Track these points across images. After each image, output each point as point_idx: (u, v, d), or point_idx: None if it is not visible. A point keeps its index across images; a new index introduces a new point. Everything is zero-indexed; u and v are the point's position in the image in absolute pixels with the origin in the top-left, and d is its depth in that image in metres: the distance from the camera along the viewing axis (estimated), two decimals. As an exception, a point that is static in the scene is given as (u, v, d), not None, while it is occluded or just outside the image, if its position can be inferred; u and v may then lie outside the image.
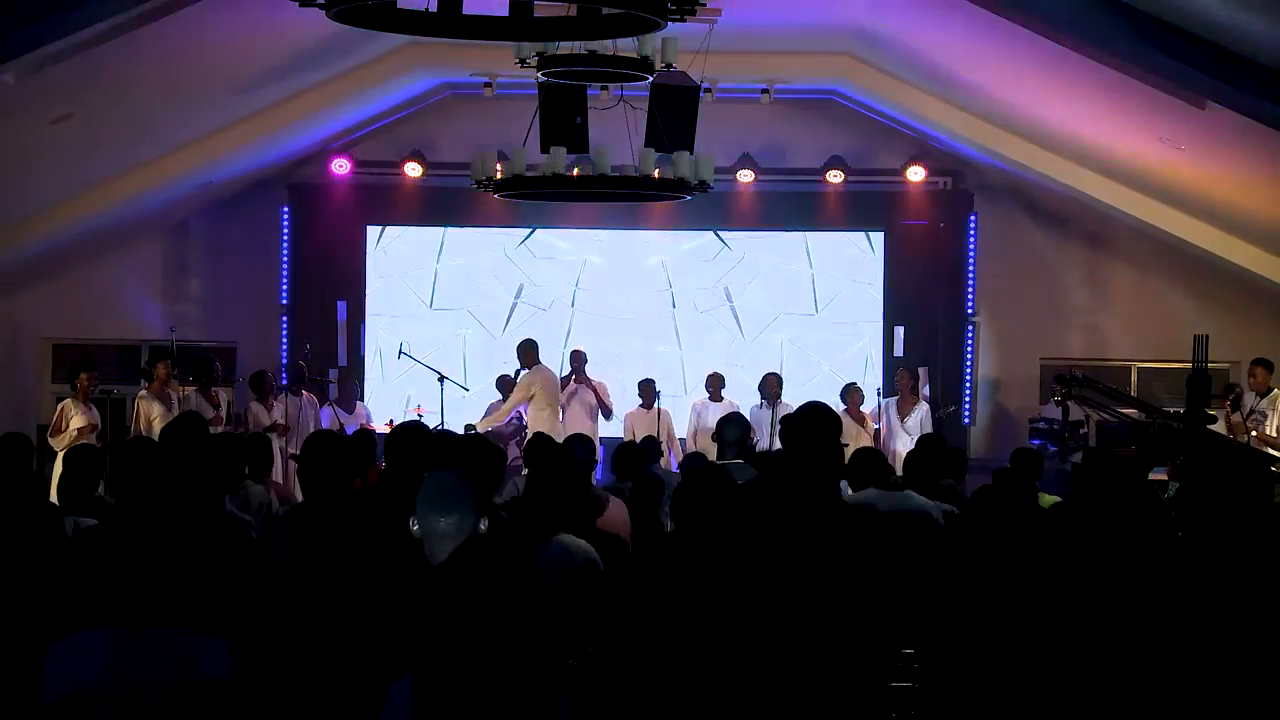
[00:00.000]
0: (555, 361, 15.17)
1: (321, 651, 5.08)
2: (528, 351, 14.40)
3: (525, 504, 6.21)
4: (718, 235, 16.47)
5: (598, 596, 5.66)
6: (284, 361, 15.68)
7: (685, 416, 14.95)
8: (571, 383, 14.73)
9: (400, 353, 15.14)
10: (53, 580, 5.23)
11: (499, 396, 14.84)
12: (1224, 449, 11.08)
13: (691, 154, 11.65)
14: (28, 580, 5.29)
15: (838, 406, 14.52)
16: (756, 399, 14.61)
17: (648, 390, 14.68)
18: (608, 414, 14.69)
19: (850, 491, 7.78)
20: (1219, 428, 12.48)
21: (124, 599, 4.44)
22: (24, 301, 15.98)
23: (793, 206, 16.28)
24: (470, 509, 4.48)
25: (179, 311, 16.15)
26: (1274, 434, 12.79)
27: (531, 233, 16.41)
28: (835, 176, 15.93)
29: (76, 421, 12.81)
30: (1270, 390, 13.03)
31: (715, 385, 14.82)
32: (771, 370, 14.79)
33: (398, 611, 4.36)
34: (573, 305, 16.50)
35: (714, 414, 14.53)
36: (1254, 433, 12.79)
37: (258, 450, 8.84)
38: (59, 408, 13.02)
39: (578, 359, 14.91)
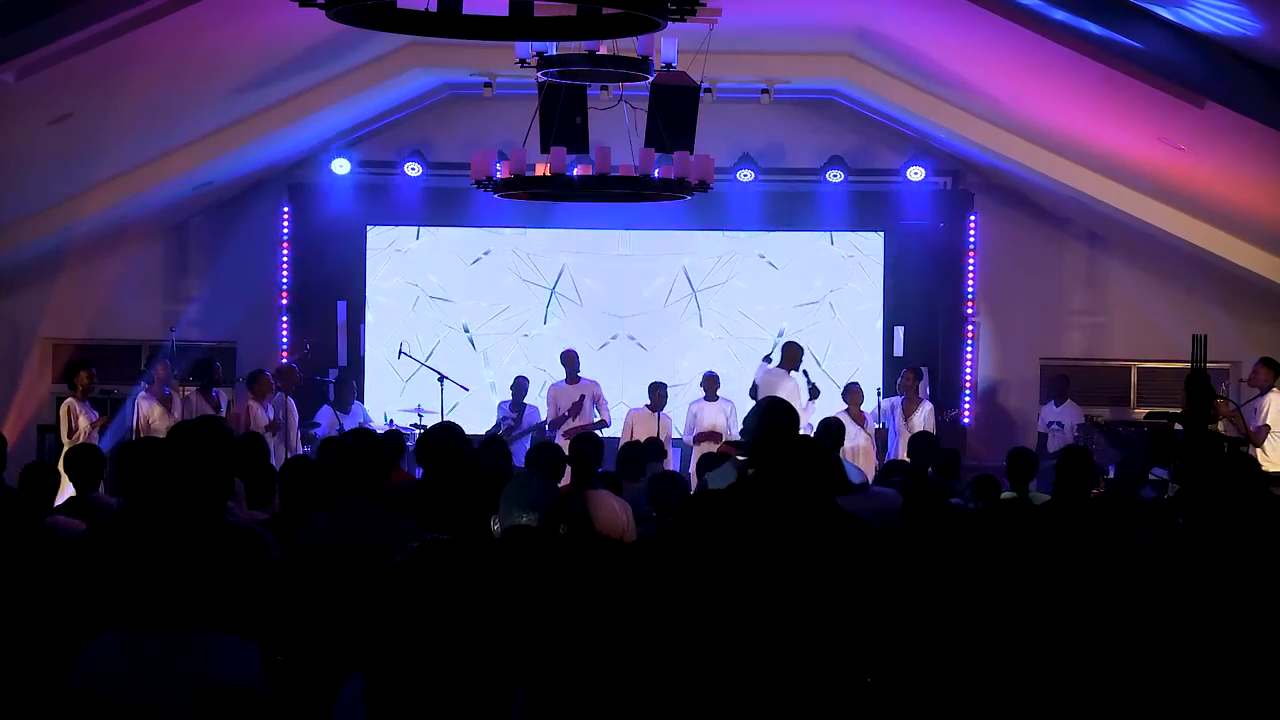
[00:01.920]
0: (553, 364, 15.20)
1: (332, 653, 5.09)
2: (791, 354, 14.50)
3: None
4: (717, 235, 16.46)
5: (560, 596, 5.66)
6: (283, 362, 15.66)
7: (680, 416, 14.95)
8: (568, 389, 14.74)
9: (400, 353, 15.14)
10: (72, 581, 5.23)
11: (509, 398, 14.86)
12: (1221, 450, 11.09)
13: (691, 154, 11.65)
14: (47, 581, 5.29)
15: (839, 406, 14.53)
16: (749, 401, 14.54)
17: (658, 393, 14.63)
18: (602, 424, 14.61)
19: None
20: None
21: (147, 602, 4.45)
22: (24, 301, 15.97)
23: (793, 206, 16.28)
24: (551, 510, 4.60)
25: (179, 311, 16.15)
26: (1251, 429, 12.80)
27: (506, 235, 16.42)
28: (835, 176, 15.92)
29: (82, 421, 12.85)
30: (1270, 388, 13.04)
31: (711, 385, 14.78)
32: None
33: (359, 611, 4.39)
34: (546, 307, 16.49)
35: (710, 413, 14.57)
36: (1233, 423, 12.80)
37: (254, 451, 8.76)
38: (64, 408, 13.03)
39: (571, 361, 14.89)
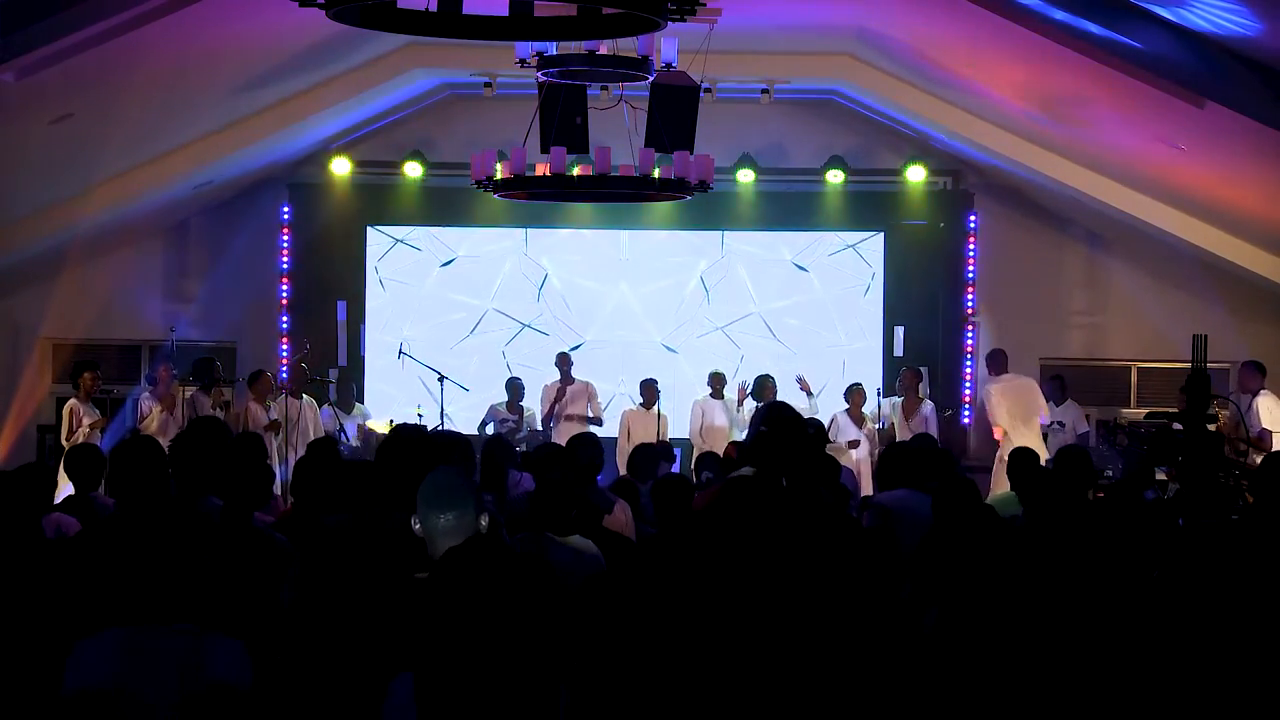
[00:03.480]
0: (548, 365, 15.21)
1: (330, 651, 5.09)
2: (997, 360, 14.65)
3: (536, 506, 6.24)
4: (717, 235, 16.46)
5: (603, 597, 5.68)
6: (283, 362, 15.67)
7: (685, 415, 14.96)
8: (560, 386, 14.77)
9: (400, 353, 15.14)
10: (68, 580, 5.23)
11: (504, 398, 14.87)
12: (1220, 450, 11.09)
13: (692, 154, 11.65)
14: (42, 580, 5.29)
15: (840, 406, 14.55)
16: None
17: (649, 390, 14.66)
18: (598, 421, 14.66)
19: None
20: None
21: (141, 599, 4.45)
22: (24, 301, 15.97)
23: (793, 206, 16.28)
24: (470, 506, 4.50)
25: (179, 311, 16.15)
26: (1253, 435, 12.79)
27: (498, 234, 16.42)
28: (835, 176, 15.92)
29: (85, 423, 12.85)
30: (1259, 391, 13.04)
31: (718, 383, 14.82)
32: (766, 373, 14.75)
33: (399, 609, 4.38)
34: (537, 302, 16.50)
35: (717, 411, 14.61)
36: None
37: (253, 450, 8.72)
38: (67, 409, 13.03)
39: (565, 362, 14.92)
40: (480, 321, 16.45)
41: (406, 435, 6.34)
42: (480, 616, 4.23)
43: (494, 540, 4.53)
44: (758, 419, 6.59)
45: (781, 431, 5.68)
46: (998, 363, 14.78)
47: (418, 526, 4.50)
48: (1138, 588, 5.39)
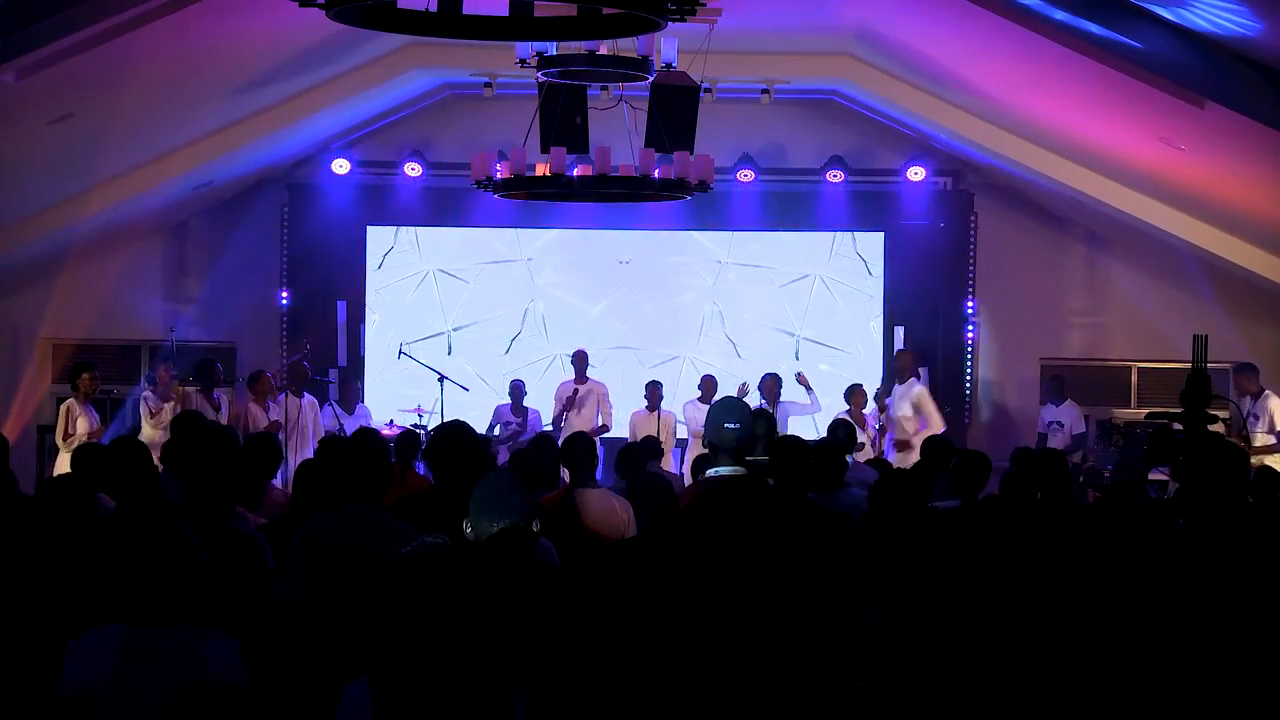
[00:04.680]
0: (556, 366, 15.21)
1: (327, 650, 5.09)
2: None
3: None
4: (717, 236, 16.46)
5: (560, 596, 5.67)
6: (285, 362, 15.67)
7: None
8: (574, 386, 14.77)
9: (400, 353, 15.14)
10: (68, 577, 5.23)
11: (507, 401, 14.85)
12: (1223, 447, 11.06)
13: (692, 154, 11.65)
14: (44, 576, 5.29)
15: (841, 408, 14.54)
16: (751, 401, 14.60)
17: (654, 392, 14.66)
18: (606, 429, 14.64)
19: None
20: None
21: (136, 597, 4.46)
22: (24, 301, 15.97)
23: (793, 206, 16.28)
24: (521, 511, 4.57)
25: (179, 311, 16.15)
26: (1264, 437, 12.75)
27: (502, 234, 16.41)
28: (835, 176, 15.93)
29: (81, 424, 12.82)
30: (1262, 392, 13.02)
31: (709, 388, 14.75)
32: (770, 371, 14.76)
33: (358, 613, 4.40)
34: (533, 306, 16.50)
35: (703, 415, 14.55)
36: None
37: (267, 451, 8.69)
38: (63, 409, 13.01)
39: (581, 361, 14.91)
40: (478, 322, 16.46)
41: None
42: (433, 620, 4.24)
43: (452, 545, 4.54)
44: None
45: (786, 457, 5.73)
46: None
47: (470, 532, 4.57)
48: (1101, 591, 5.40)
